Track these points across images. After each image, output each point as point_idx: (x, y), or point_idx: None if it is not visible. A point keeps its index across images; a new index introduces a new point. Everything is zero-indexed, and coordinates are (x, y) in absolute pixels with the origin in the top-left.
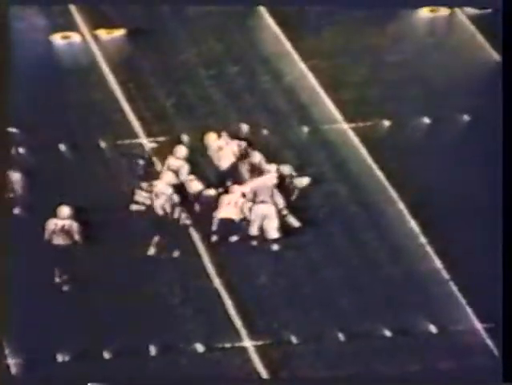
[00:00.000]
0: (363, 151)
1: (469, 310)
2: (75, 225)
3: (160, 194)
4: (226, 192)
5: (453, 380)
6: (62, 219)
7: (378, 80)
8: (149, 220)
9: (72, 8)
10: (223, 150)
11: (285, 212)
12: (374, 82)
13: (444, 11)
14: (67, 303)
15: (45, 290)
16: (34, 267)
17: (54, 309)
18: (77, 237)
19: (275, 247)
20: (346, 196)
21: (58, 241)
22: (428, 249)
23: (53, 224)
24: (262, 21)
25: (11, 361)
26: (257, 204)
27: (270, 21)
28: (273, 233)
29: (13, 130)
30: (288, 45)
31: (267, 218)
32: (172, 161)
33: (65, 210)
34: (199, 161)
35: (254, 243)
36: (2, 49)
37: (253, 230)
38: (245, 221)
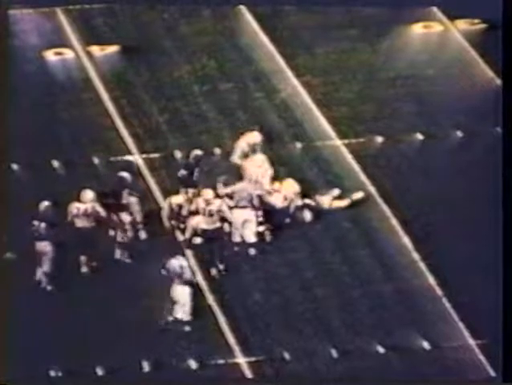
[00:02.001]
0: (356, 167)
1: (461, 326)
2: (98, 207)
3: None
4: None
5: None
6: (85, 203)
7: (371, 97)
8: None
9: (65, 24)
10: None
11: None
12: (367, 98)
13: (437, 27)
14: (60, 318)
15: (39, 304)
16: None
17: (47, 323)
18: (103, 214)
19: (269, 263)
20: (338, 213)
21: (82, 223)
22: (421, 265)
23: (75, 208)
24: (255, 38)
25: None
26: (237, 209)
27: (263, 38)
28: (251, 237)
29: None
30: (281, 62)
31: (247, 223)
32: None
33: (89, 194)
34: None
35: (236, 249)
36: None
37: (236, 236)
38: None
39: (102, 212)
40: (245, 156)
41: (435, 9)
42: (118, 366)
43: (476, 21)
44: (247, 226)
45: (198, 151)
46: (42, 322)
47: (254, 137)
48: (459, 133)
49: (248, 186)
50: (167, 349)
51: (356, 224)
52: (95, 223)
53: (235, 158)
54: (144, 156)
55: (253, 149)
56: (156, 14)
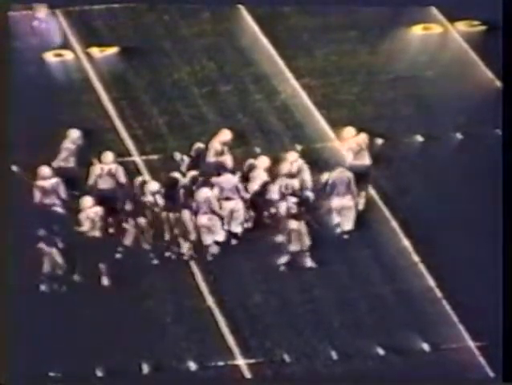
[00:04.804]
0: None
1: (461, 328)
2: (120, 169)
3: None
4: None
5: None
6: (108, 164)
7: (371, 98)
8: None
9: (65, 26)
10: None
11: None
12: (367, 100)
13: (436, 29)
14: (60, 319)
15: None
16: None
17: (47, 324)
18: (123, 179)
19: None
20: None
21: (105, 184)
22: (421, 267)
23: (99, 168)
24: (255, 40)
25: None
26: (223, 201)
27: (263, 39)
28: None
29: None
30: (281, 64)
31: (235, 212)
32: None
33: (109, 155)
34: None
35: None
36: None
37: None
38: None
39: (122, 177)
40: (220, 154)
41: (434, 10)
42: (117, 368)
43: (476, 22)
44: (235, 217)
45: (201, 144)
46: (41, 322)
47: (226, 135)
48: (459, 135)
49: (231, 178)
50: (167, 350)
51: (356, 226)
52: (116, 186)
53: (210, 157)
54: (144, 157)
55: (225, 147)
56: (156, 16)
